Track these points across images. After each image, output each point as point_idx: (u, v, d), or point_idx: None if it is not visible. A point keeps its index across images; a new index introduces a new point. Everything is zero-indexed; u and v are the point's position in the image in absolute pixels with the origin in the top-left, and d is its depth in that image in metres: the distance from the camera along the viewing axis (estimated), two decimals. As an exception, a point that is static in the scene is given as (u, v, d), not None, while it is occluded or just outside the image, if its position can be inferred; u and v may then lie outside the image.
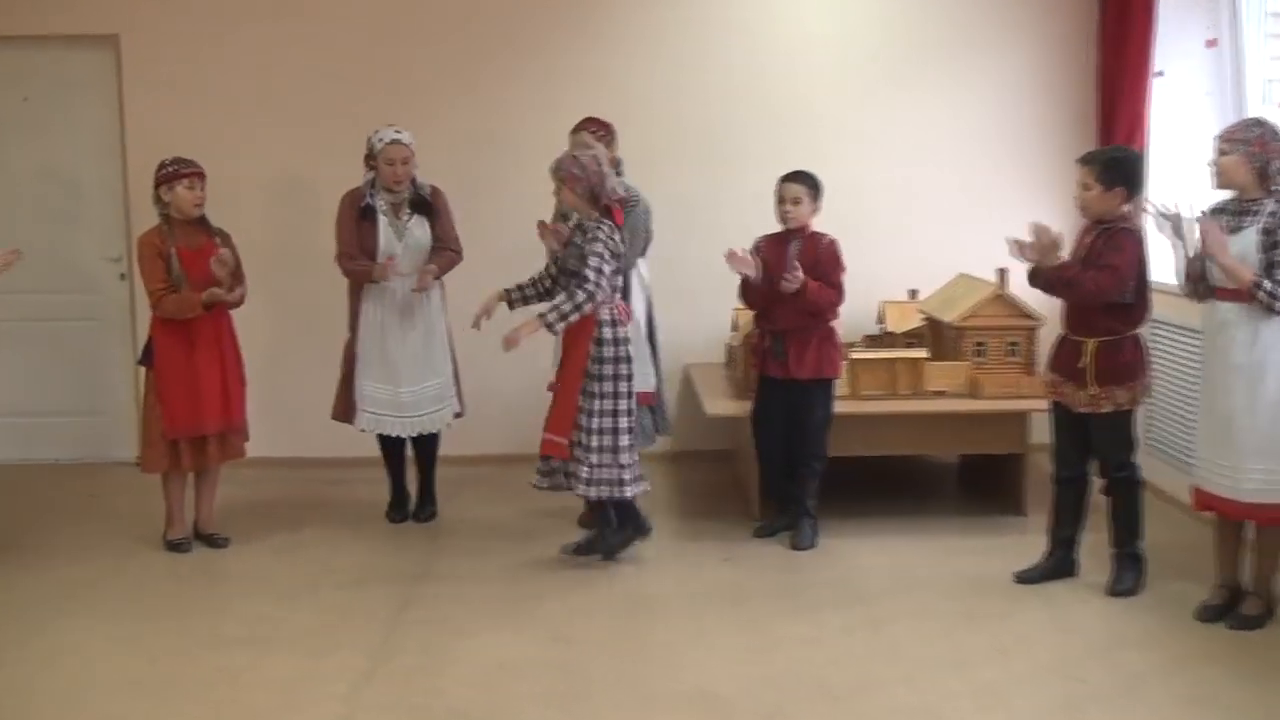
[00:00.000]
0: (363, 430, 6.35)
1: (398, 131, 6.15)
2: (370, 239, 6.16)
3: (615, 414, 5.61)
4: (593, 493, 5.64)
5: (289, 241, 7.37)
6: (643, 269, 6.28)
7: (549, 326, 5.47)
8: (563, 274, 5.63)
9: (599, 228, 5.55)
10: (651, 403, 6.24)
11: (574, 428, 5.59)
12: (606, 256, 5.51)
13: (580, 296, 5.47)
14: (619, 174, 6.08)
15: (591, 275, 5.47)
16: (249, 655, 4.83)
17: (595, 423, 5.59)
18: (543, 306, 5.57)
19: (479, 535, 6.29)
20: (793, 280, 5.77)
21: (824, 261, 5.89)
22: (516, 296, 5.77)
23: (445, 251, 6.28)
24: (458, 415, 6.46)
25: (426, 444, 6.53)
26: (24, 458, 7.31)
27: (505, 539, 6.21)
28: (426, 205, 6.25)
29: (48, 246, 7.55)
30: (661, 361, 6.41)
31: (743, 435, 6.48)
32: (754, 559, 5.88)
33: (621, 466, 5.62)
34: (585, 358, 5.59)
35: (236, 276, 5.93)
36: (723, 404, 6.45)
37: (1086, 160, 5.25)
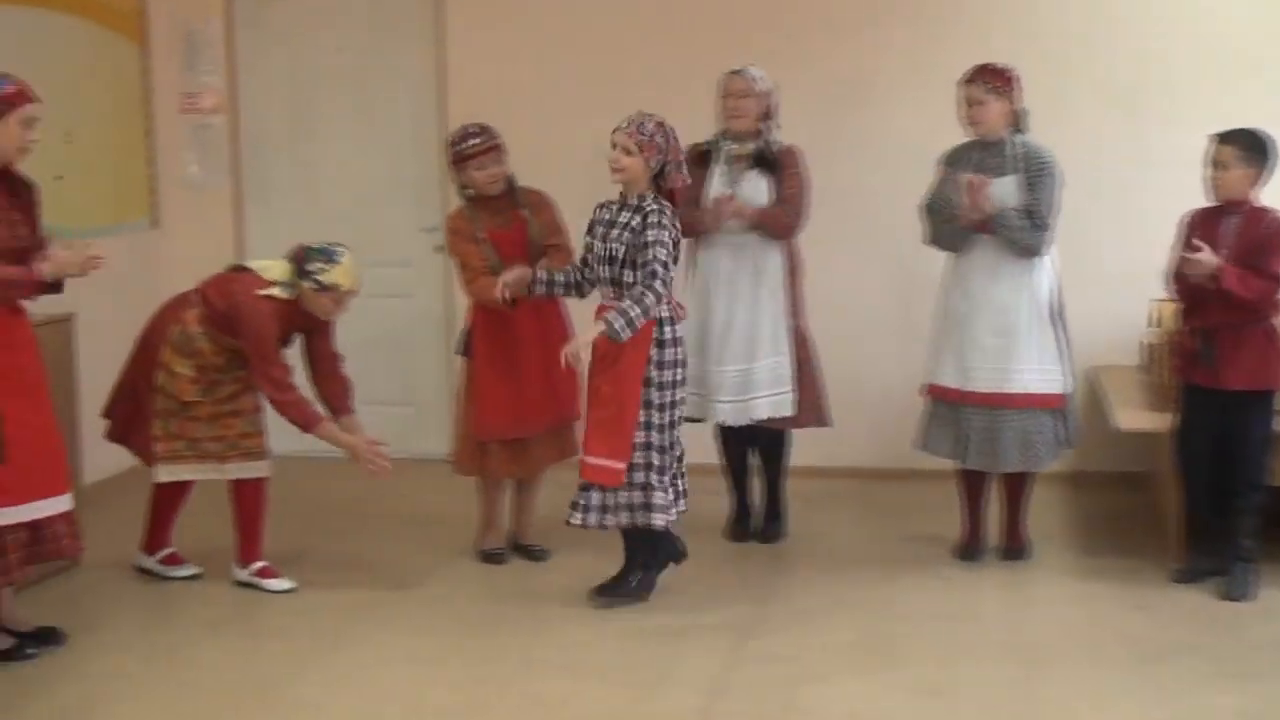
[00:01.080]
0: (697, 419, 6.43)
1: (746, 67, 6.26)
2: (697, 188, 6.26)
3: (673, 426, 5.64)
4: (621, 521, 5.65)
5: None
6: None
7: (615, 336, 5.42)
8: (605, 263, 5.59)
9: (662, 213, 5.51)
10: (1062, 405, 6.08)
11: (635, 448, 5.55)
12: (671, 247, 5.50)
13: (649, 299, 5.44)
14: (1020, 130, 5.98)
15: (660, 270, 5.44)
16: (566, 685, 4.97)
17: (656, 438, 5.56)
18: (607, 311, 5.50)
19: (833, 561, 6.28)
20: (1200, 262, 5.54)
21: (1263, 244, 5.61)
22: (543, 282, 5.85)
23: (783, 207, 6.32)
24: (797, 420, 6.45)
25: (773, 450, 6.56)
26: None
27: (864, 567, 6.19)
28: (771, 162, 6.31)
29: (359, 211, 7.97)
30: (1072, 358, 6.23)
31: (1161, 455, 6.24)
32: (1172, 609, 5.66)
33: (652, 488, 5.58)
34: (645, 362, 5.52)
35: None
36: (1137, 416, 6.23)
37: (1229, 139, 5.60)
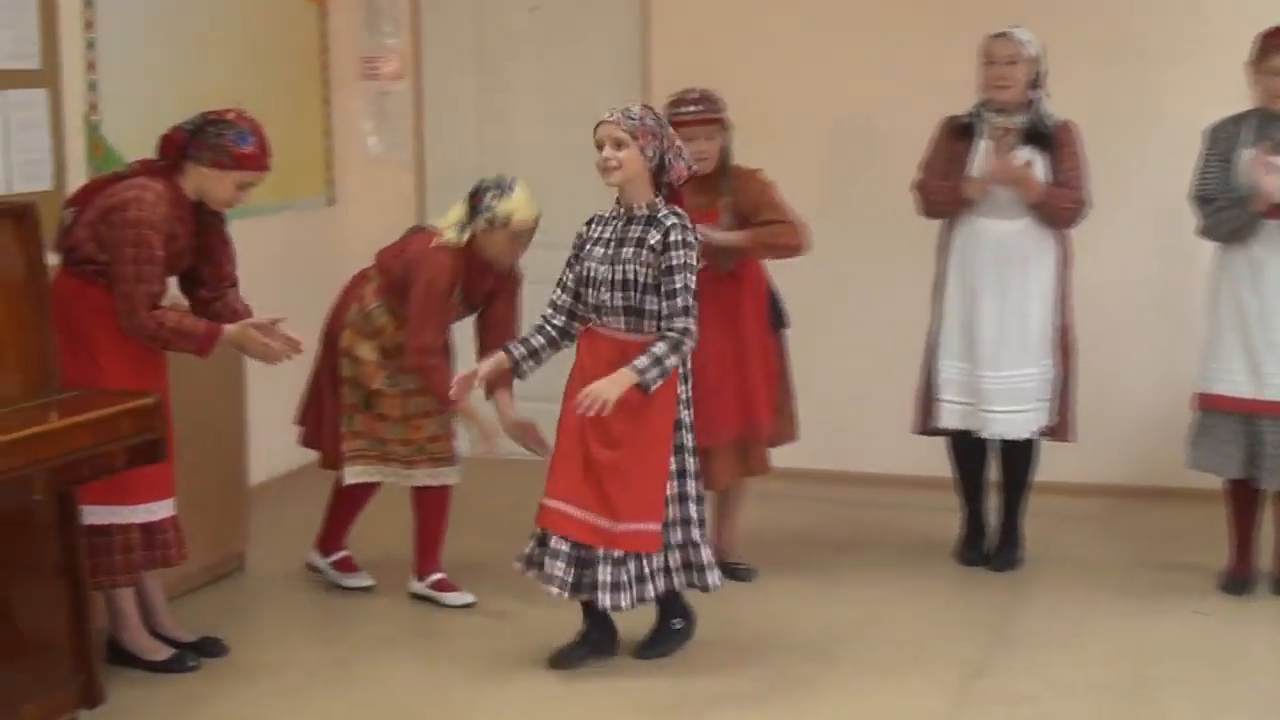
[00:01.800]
0: (941, 430, 6.39)
1: (1011, 28, 6.19)
2: (959, 165, 6.19)
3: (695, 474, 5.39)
4: (664, 587, 5.35)
5: (842, 192, 7.55)
6: None
7: (648, 388, 5.11)
8: (614, 289, 5.21)
9: (685, 226, 5.18)
10: None
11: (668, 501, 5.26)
12: (694, 268, 5.18)
13: (687, 343, 5.16)
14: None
15: (691, 303, 5.16)
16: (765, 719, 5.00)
17: (691, 486, 5.33)
18: (638, 359, 5.13)
19: (1076, 590, 6.18)
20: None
21: None
22: (525, 360, 5.38)
23: (1066, 187, 6.23)
24: (1050, 430, 6.38)
25: (1016, 463, 6.48)
26: (512, 453, 7.80)
27: (1112, 598, 6.09)
28: (1045, 137, 6.23)
29: (551, 188, 8.03)
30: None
31: None
32: None
33: (697, 545, 5.35)
34: (675, 402, 5.26)
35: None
36: None
37: None
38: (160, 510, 5.21)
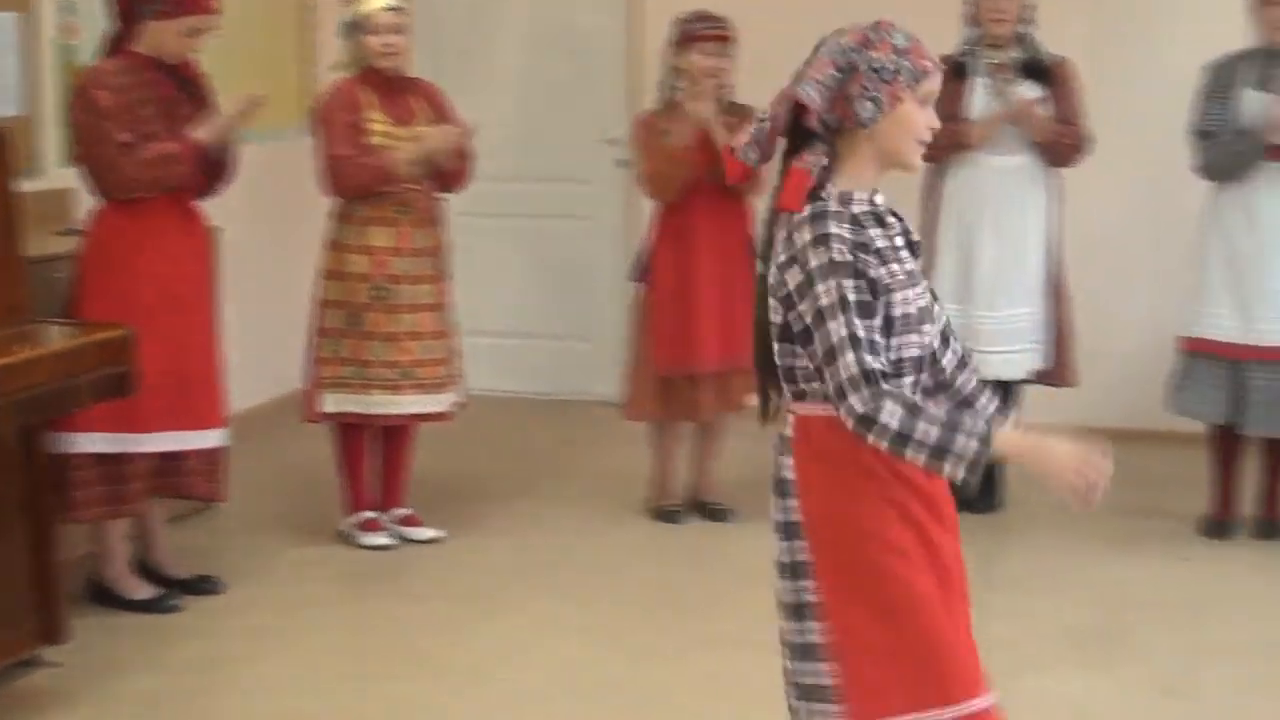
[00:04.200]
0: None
1: None
2: (955, 104, 6.14)
3: None
4: None
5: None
6: None
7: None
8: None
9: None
10: None
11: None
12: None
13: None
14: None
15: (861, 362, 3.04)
16: (748, 662, 4.95)
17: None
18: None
19: (1058, 535, 6.19)
20: None
21: None
22: None
23: (1068, 125, 6.22)
24: (1049, 376, 6.39)
25: (1004, 406, 6.45)
26: (492, 388, 7.81)
27: (1093, 542, 6.10)
28: (1044, 71, 6.20)
29: (534, 118, 8.02)
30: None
31: None
32: None
33: None
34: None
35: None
36: None
37: None
38: (181, 441, 5.23)
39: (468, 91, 8.03)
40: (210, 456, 5.35)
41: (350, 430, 5.97)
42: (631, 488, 6.57)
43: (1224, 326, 5.97)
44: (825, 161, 3.07)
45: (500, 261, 8.14)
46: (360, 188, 5.75)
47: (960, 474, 2.98)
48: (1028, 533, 6.26)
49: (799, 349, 3.09)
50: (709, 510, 6.37)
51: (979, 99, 6.18)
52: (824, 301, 2.97)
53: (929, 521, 3.18)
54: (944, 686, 3.14)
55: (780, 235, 3.09)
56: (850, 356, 2.95)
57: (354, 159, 5.73)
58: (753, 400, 5.99)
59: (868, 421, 2.95)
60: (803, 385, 3.13)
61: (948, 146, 6.16)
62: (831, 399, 2.99)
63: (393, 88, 5.86)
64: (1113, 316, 7.27)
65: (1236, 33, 6.00)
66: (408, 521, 6.08)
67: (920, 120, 3.07)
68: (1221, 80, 5.94)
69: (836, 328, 2.96)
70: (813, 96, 3.04)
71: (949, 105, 6.15)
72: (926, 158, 6.27)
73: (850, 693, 3.12)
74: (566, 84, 8.07)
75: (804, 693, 3.19)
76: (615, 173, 7.88)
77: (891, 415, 2.93)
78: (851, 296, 2.96)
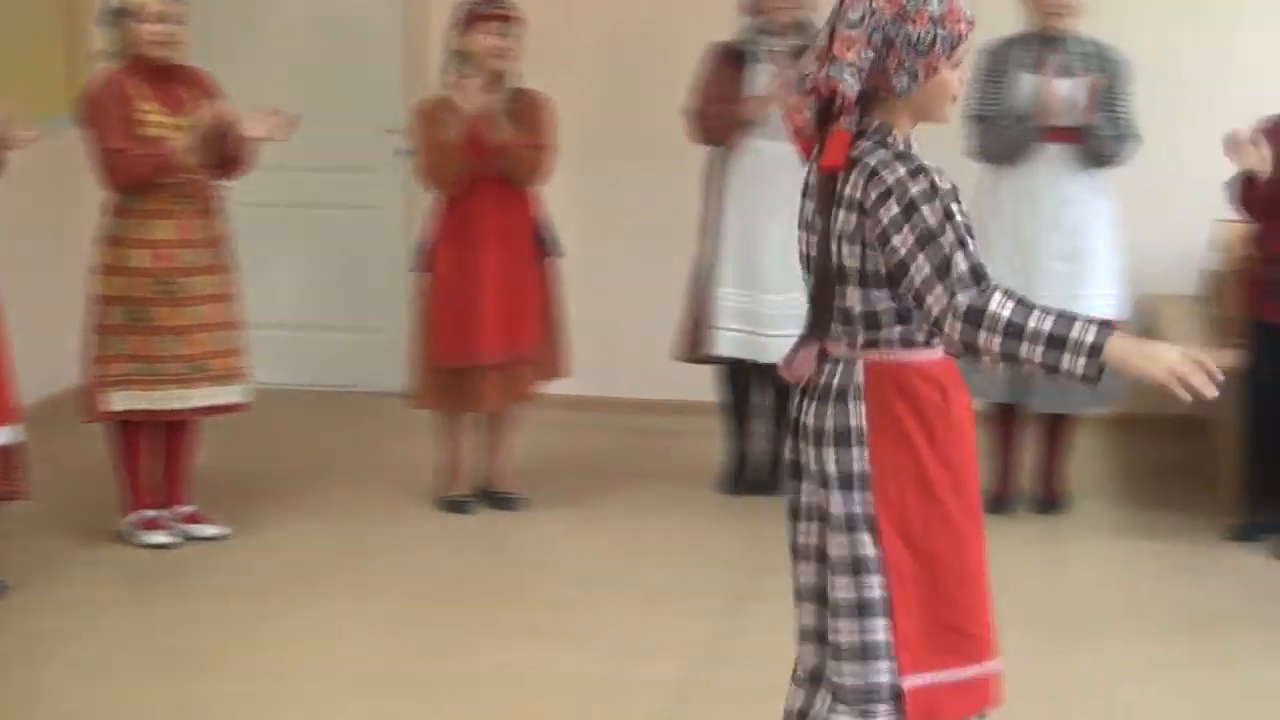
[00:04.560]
0: (717, 358, 6.42)
1: None
2: (735, 91, 6.21)
3: None
4: None
5: (627, 113, 7.57)
6: None
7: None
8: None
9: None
10: None
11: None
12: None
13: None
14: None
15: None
16: (539, 651, 4.99)
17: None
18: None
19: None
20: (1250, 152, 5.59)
21: None
22: None
23: None
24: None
25: (782, 388, 6.54)
26: (276, 381, 7.70)
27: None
28: None
29: (312, 110, 7.89)
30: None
31: (1221, 398, 6.22)
32: (1224, 570, 5.70)
33: None
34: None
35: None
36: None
37: None
38: None
39: (241, 78, 7.89)
40: (4, 454, 5.21)
41: (128, 427, 5.85)
42: (420, 479, 6.54)
43: None
44: (877, 122, 3.13)
45: (281, 252, 8.03)
46: (139, 180, 5.63)
47: (1080, 367, 2.92)
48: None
49: (877, 292, 3.11)
50: (498, 500, 6.37)
51: (759, 86, 6.22)
52: (931, 221, 2.99)
53: (973, 477, 3.24)
54: (984, 642, 3.23)
55: (850, 183, 3.10)
56: (960, 257, 2.96)
57: (130, 152, 5.62)
58: (538, 390, 6.06)
59: (978, 314, 2.94)
60: (882, 331, 3.14)
61: (726, 125, 6.21)
62: (938, 313, 2.97)
63: (162, 77, 5.74)
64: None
65: (1009, 17, 6.11)
66: (191, 519, 5.98)
67: (954, 81, 3.15)
68: (996, 64, 6.07)
69: (946, 240, 2.97)
70: (851, 84, 3.07)
71: (731, 93, 6.22)
72: (709, 139, 6.37)
73: (901, 646, 3.15)
74: (345, 71, 7.99)
75: (849, 651, 3.18)
76: (397, 162, 7.82)
77: (1003, 305, 2.93)
78: (958, 216, 3.00)
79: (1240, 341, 5.98)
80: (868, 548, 3.15)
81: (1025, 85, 5.97)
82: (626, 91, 7.59)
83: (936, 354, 3.19)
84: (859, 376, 3.17)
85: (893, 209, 3.02)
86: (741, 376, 6.52)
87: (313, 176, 8.01)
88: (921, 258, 2.98)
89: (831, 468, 3.18)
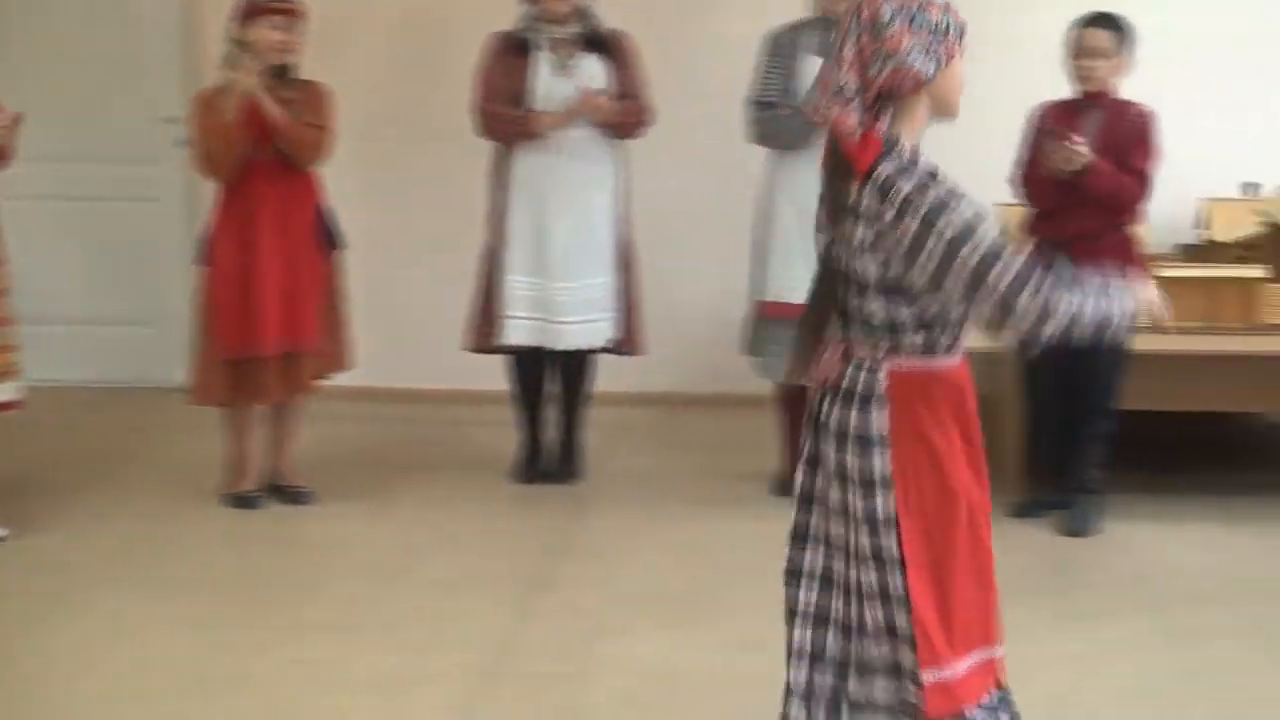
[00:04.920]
0: (506, 347, 6.40)
1: None
2: (519, 80, 6.20)
3: None
4: None
5: (412, 104, 7.54)
6: None
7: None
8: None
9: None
10: None
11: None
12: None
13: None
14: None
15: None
16: (335, 647, 4.94)
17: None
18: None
19: (637, 502, 6.33)
20: (1075, 153, 5.67)
21: (1129, 139, 5.76)
22: None
23: (632, 101, 6.33)
24: (620, 346, 6.48)
25: (573, 376, 6.57)
26: (53, 378, 7.55)
27: (672, 507, 6.25)
28: (604, 45, 6.29)
29: (87, 99, 7.76)
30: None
31: (1003, 378, 6.38)
32: (1010, 545, 5.79)
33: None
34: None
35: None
36: (973, 335, 6.35)
37: (1101, 24, 5.77)
38: None
39: (14, 68, 7.75)
40: None
41: None
42: (206, 475, 6.44)
43: (800, 289, 6.13)
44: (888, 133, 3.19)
45: (56, 246, 7.88)
46: None
47: (1123, 331, 3.24)
48: (607, 501, 6.37)
49: (899, 301, 3.19)
50: (288, 494, 6.29)
51: (543, 74, 6.22)
52: (955, 229, 3.07)
53: (984, 473, 3.42)
54: (993, 627, 3.35)
55: (864, 195, 3.18)
56: (1003, 260, 3.07)
57: None
58: (320, 382, 6.01)
59: (1046, 314, 3.09)
60: (905, 338, 3.22)
61: (515, 135, 6.20)
62: (991, 310, 3.10)
63: None
64: (678, 285, 7.45)
65: (793, 2, 6.18)
66: None
67: (962, 71, 3.22)
68: (782, 49, 6.12)
69: (978, 242, 3.06)
70: (928, 66, 3.15)
71: (514, 82, 6.20)
72: (495, 140, 6.37)
73: (923, 639, 3.22)
74: (121, 60, 7.84)
75: (876, 641, 3.31)
76: (176, 153, 7.68)
77: (1059, 299, 3.10)
78: (979, 219, 3.09)
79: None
80: (891, 545, 3.25)
81: (812, 70, 6.03)
82: (412, 82, 7.58)
83: (955, 360, 3.32)
84: (881, 385, 3.26)
85: (912, 224, 3.09)
86: (533, 365, 6.51)
87: (91, 168, 7.87)
88: (961, 260, 3.07)
89: (854, 471, 3.28)
